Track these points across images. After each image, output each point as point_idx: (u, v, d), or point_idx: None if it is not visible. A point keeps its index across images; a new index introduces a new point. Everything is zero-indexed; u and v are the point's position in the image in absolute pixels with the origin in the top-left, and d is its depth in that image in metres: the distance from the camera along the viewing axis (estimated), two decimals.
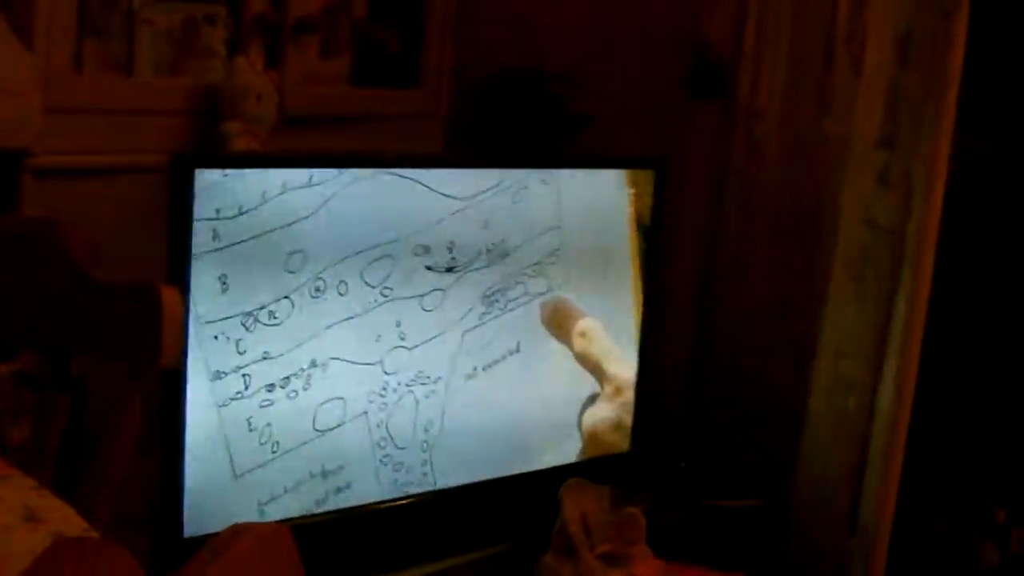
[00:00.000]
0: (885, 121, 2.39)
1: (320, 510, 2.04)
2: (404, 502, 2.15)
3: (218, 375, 1.87)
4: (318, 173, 1.89)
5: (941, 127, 2.33)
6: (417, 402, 2.12)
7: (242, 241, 1.83)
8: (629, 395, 2.41)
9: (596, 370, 2.35)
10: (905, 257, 2.36)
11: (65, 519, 1.26)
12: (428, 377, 2.12)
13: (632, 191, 2.32)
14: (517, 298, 2.21)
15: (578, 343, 2.31)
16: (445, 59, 2.34)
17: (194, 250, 1.79)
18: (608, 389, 2.38)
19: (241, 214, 1.82)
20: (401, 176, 1.98)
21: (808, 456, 2.53)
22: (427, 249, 2.05)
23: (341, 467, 2.06)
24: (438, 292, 2.09)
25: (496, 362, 2.21)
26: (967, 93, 2.35)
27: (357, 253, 1.97)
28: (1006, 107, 2.67)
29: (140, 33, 2.00)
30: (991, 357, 2.72)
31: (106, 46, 1.97)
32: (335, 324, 1.98)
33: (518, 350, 2.23)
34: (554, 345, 2.28)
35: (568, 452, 2.38)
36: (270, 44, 2.15)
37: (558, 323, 2.27)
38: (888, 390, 2.41)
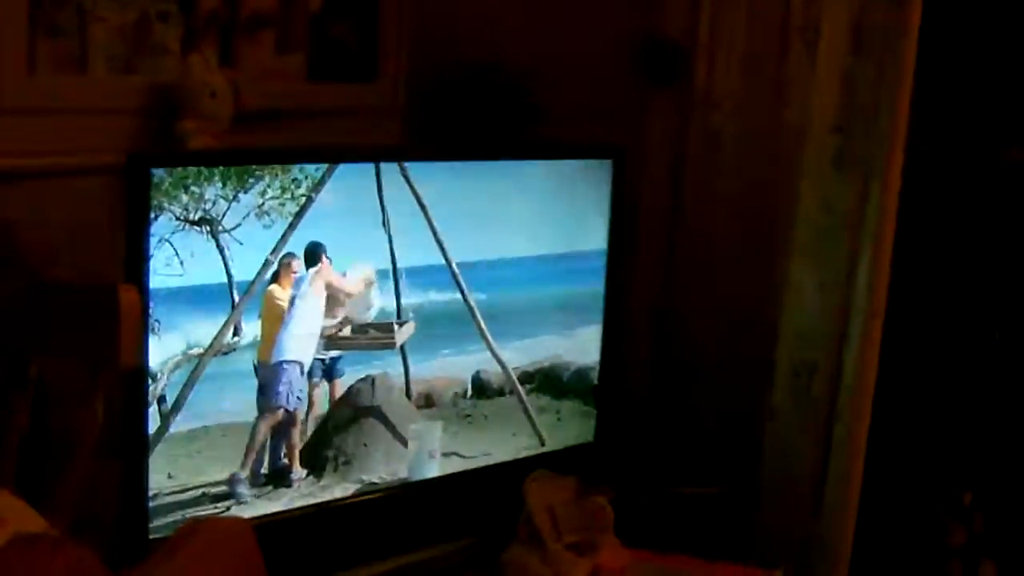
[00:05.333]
0: (840, 108, 2.40)
1: (284, 506, 2.04)
2: (368, 497, 2.15)
3: None
4: None
5: (897, 113, 2.35)
6: None
7: None
8: None
9: None
10: (864, 240, 2.38)
11: (26, 519, 1.25)
12: None
13: None
14: None
15: None
16: (402, 52, 2.33)
17: None
18: None
19: None
20: None
21: (772, 441, 2.54)
22: None
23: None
24: None
25: None
26: (922, 79, 2.37)
27: None
28: (962, 90, 2.70)
29: (93, 31, 1.98)
30: (954, 339, 2.74)
31: (59, 45, 1.95)
32: None
33: None
34: None
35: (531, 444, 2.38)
36: (224, 40, 2.13)
37: None
38: (851, 373, 2.42)
